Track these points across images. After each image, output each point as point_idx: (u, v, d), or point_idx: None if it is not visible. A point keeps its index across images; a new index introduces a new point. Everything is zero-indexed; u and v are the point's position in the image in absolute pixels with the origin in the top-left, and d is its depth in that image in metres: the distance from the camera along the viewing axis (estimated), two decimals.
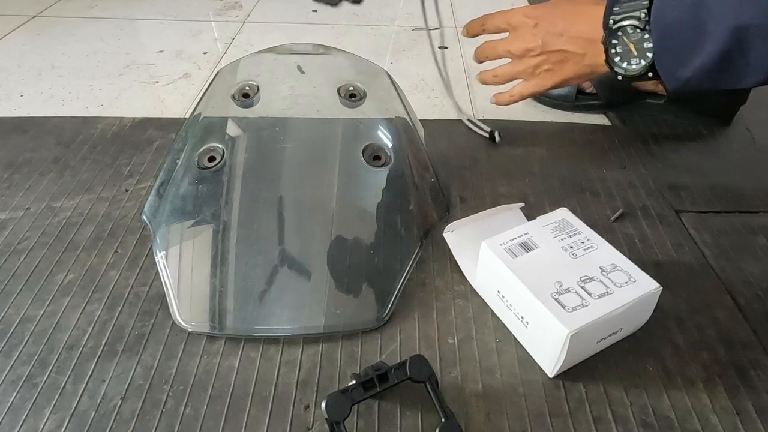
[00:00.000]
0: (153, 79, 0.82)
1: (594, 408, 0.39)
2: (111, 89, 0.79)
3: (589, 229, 0.46)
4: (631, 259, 0.43)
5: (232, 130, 0.53)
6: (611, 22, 0.45)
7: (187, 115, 0.72)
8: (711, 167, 0.64)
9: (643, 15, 0.43)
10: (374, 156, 0.52)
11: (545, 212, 0.48)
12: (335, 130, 0.54)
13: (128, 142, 0.66)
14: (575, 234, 0.45)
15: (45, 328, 0.44)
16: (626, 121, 0.72)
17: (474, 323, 0.45)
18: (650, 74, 0.45)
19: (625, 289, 0.40)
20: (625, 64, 0.47)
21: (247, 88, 0.56)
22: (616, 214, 0.56)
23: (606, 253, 0.44)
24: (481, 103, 0.77)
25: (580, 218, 0.47)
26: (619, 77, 0.47)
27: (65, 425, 0.37)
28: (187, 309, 0.45)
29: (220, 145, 0.52)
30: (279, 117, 0.54)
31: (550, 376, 0.41)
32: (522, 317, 0.42)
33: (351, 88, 0.56)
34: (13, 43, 0.92)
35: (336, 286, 0.46)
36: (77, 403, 0.39)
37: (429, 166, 0.57)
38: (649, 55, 0.44)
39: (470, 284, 0.48)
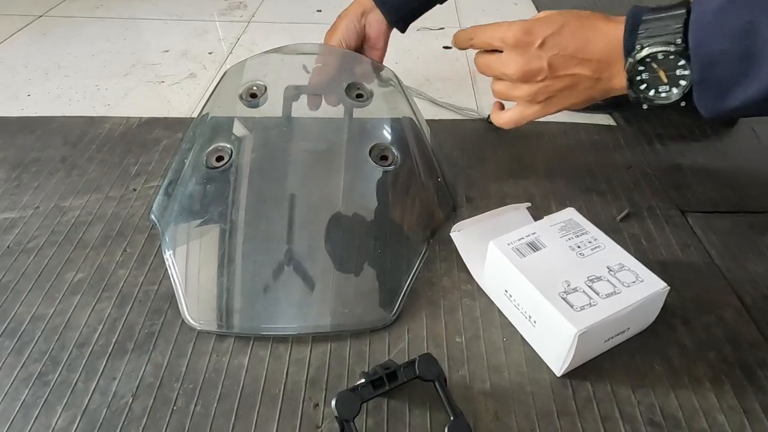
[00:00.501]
0: (159, 79, 0.82)
1: (601, 407, 0.39)
2: (117, 89, 0.79)
3: (596, 228, 0.46)
4: (637, 259, 0.43)
5: (239, 129, 0.53)
6: (637, 46, 0.40)
7: (194, 115, 0.72)
8: (716, 167, 0.64)
9: (678, 41, 0.38)
10: (381, 156, 0.52)
11: (551, 212, 0.48)
12: (342, 129, 0.54)
13: (135, 141, 0.66)
14: (582, 234, 0.45)
15: (56, 326, 0.44)
16: (631, 122, 0.72)
17: (481, 322, 0.45)
18: (683, 103, 0.40)
19: (632, 289, 0.41)
20: (652, 93, 0.41)
21: (255, 88, 0.56)
22: (622, 214, 0.56)
23: (613, 252, 0.44)
24: (486, 103, 0.77)
25: (586, 218, 0.47)
26: (645, 106, 0.42)
27: (77, 422, 0.38)
28: (195, 308, 0.45)
29: (228, 145, 0.52)
30: (286, 117, 0.54)
31: (558, 375, 0.41)
32: (529, 316, 0.42)
33: (358, 88, 0.56)
34: (20, 43, 0.92)
35: (343, 286, 0.46)
36: (89, 401, 0.39)
37: (435, 166, 0.57)
38: (683, 83, 0.39)
39: (477, 283, 0.48)
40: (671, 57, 0.39)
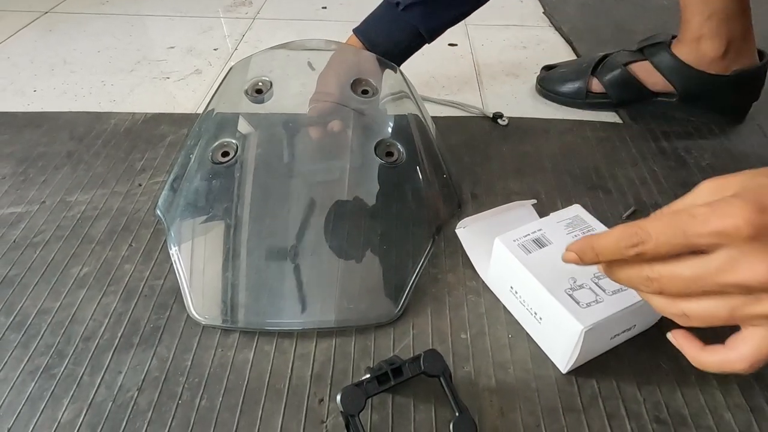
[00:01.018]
0: (164, 75, 0.82)
1: (607, 404, 0.39)
2: (123, 85, 0.79)
3: (603, 226, 0.46)
4: None
5: (245, 125, 0.53)
6: None
7: (199, 111, 0.72)
8: (723, 164, 0.63)
9: None
10: (387, 152, 0.52)
11: (557, 209, 0.48)
12: (348, 125, 0.54)
13: (141, 137, 0.67)
14: (589, 231, 0.45)
15: (62, 319, 0.44)
16: (637, 119, 0.72)
17: (486, 318, 0.45)
18: None
19: None
20: None
21: (260, 83, 0.56)
22: (629, 212, 0.56)
23: None
24: (491, 101, 0.77)
25: (592, 215, 0.47)
26: None
27: (83, 416, 0.38)
28: (201, 302, 0.45)
29: (233, 141, 0.52)
30: (292, 113, 0.54)
31: (563, 371, 0.41)
32: (535, 313, 0.42)
33: (363, 84, 0.56)
34: (26, 38, 0.92)
35: (348, 281, 0.46)
36: (94, 394, 0.39)
37: (441, 163, 0.57)
38: None
39: (482, 280, 0.48)
40: None
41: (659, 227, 0.28)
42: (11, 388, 0.40)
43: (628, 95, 0.72)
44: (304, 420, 0.38)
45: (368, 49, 0.61)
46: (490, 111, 0.72)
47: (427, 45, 0.65)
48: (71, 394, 0.39)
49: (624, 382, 0.41)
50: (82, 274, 0.48)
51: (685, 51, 0.68)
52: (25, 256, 0.50)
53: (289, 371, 0.41)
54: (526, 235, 0.44)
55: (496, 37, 0.95)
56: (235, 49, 0.90)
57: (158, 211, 0.54)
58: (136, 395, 0.39)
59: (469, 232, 0.50)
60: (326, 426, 0.38)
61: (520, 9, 1.06)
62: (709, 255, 0.28)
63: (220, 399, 0.39)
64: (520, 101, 0.77)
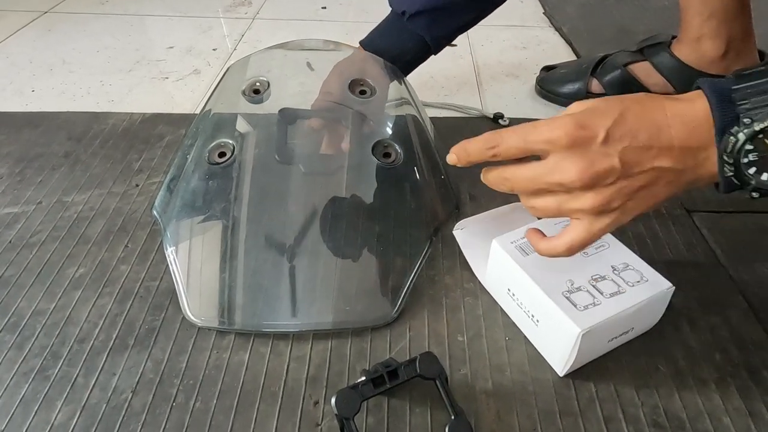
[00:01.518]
0: (163, 75, 0.82)
1: (605, 407, 0.39)
2: (121, 85, 0.79)
3: None
4: (642, 259, 0.43)
5: (242, 125, 0.53)
6: (745, 120, 0.31)
7: (197, 111, 0.72)
8: None
9: None
10: (384, 153, 0.52)
11: None
12: (346, 125, 0.54)
13: (138, 137, 0.66)
14: None
15: (56, 321, 0.44)
16: None
17: (484, 321, 0.45)
18: None
19: (637, 288, 0.40)
20: (765, 177, 0.33)
21: (258, 84, 0.56)
22: None
23: (618, 251, 0.43)
24: (490, 101, 0.76)
25: None
26: (754, 194, 0.34)
27: (76, 418, 0.38)
28: (197, 304, 0.45)
29: (230, 141, 0.52)
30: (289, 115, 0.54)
31: (561, 374, 0.41)
32: (532, 315, 0.42)
33: (361, 85, 0.56)
34: (25, 38, 0.92)
35: (345, 283, 0.46)
36: (88, 396, 0.39)
37: (439, 164, 0.56)
38: None
39: (480, 282, 0.48)
40: None
41: (509, 134, 0.36)
42: (5, 389, 0.39)
43: None
44: (299, 422, 0.38)
45: None
46: (490, 112, 0.72)
47: None
48: (65, 395, 0.39)
49: (622, 385, 0.40)
50: (77, 275, 0.48)
51: (685, 51, 0.67)
52: (20, 256, 0.50)
53: (285, 373, 0.41)
54: (523, 237, 0.44)
55: (496, 37, 0.94)
56: (235, 49, 0.90)
57: (155, 212, 0.54)
58: (130, 397, 0.39)
59: (466, 233, 0.50)
60: (321, 428, 0.38)
61: (520, 9, 1.06)
62: (543, 160, 0.35)
63: (215, 401, 0.39)
64: (520, 102, 0.77)
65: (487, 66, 0.86)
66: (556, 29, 0.98)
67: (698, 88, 0.33)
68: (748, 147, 0.32)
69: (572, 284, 0.40)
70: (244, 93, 0.55)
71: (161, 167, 0.61)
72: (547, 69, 0.79)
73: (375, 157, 0.51)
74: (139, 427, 0.37)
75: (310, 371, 0.41)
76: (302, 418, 0.38)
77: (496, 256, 0.44)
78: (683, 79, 0.68)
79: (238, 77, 0.57)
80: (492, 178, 0.38)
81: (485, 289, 0.47)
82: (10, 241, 0.51)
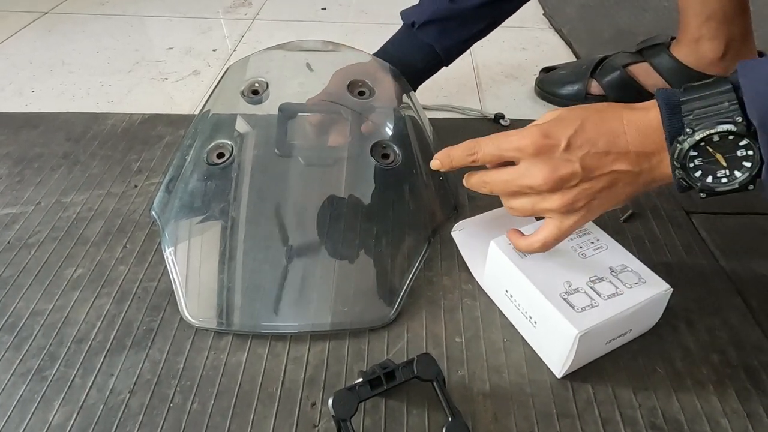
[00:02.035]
0: (162, 76, 0.82)
1: (602, 409, 0.39)
2: (121, 85, 0.79)
3: (598, 229, 0.45)
4: (640, 261, 0.43)
5: (241, 126, 0.53)
6: (687, 130, 0.35)
7: (197, 112, 0.72)
8: None
9: (738, 119, 0.33)
10: (383, 154, 0.52)
11: None
12: (345, 125, 0.54)
13: (138, 138, 0.66)
14: (585, 234, 0.45)
15: (54, 321, 0.44)
16: None
17: (482, 322, 0.45)
18: (751, 187, 0.36)
19: (635, 290, 0.40)
20: (710, 180, 0.36)
21: (257, 84, 0.56)
22: (626, 215, 0.55)
23: (616, 253, 0.43)
24: (490, 102, 0.76)
25: None
26: (702, 195, 0.37)
27: (74, 418, 0.38)
28: (195, 305, 0.45)
29: (228, 142, 0.52)
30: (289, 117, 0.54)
31: (558, 376, 0.41)
32: (530, 317, 0.42)
33: (360, 85, 0.56)
34: (25, 39, 0.92)
35: (343, 284, 0.46)
36: (86, 397, 0.39)
37: None
38: (748, 164, 0.35)
39: (478, 283, 0.48)
40: (730, 138, 0.34)
41: (485, 142, 0.40)
42: (2, 390, 0.39)
43: (627, 97, 0.71)
44: (296, 424, 0.38)
45: None
46: (490, 113, 0.72)
47: None
48: (62, 396, 0.39)
49: (619, 387, 0.40)
50: (75, 276, 0.48)
51: (684, 52, 0.67)
52: (19, 257, 0.50)
53: (282, 374, 0.41)
54: None
55: (495, 38, 0.94)
56: (234, 50, 0.90)
57: (153, 213, 0.54)
58: (127, 398, 0.39)
59: (465, 235, 0.50)
60: (318, 430, 0.38)
61: (520, 10, 1.06)
62: (515, 166, 0.39)
63: (212, 402, 0.39)
64: (519, 103, 0.77)
65: (486, 67, 0.86)
66: (556, 30, 0.98)
67: (657, 97, 0.36)
68: (693, 153, 0.35)
69: (570, 286, 0.40)
70: (243, 94, 0.55)
71: (160, 168, 0.61)
72: (547, 70, 0.79)
73: (373, 158, 0.51)
74: (136, 428, 0.37)
75: (307, 372, 0.41)
76: (299, 419, 0.38)
77: (494, 258, 0.44)
78: (682, 80, 0.67)
79: (237, 78, 0.57)
80: (473, 181, 0.43)
81: (483, 290, 0.47)
82: (8, 242, 0.51)
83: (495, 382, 0.40)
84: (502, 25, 0.68)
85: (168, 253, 0.49)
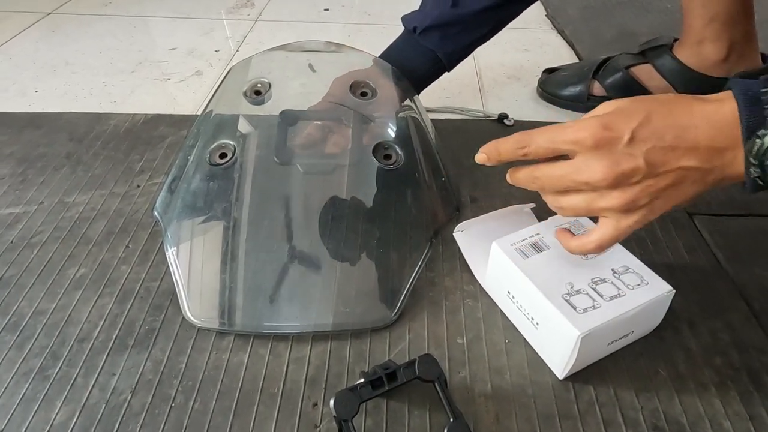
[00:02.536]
0: (165, 77, 0.82)
1: (604, 411, 0.39)
2: (124, 86, 0.79)
3: None
4: (643, 262, 0.42)
5: (243, 127, 0.53)
6: None
7: (199, 113, 0.72)
8: None
9: None
10: (385, 155, 0.52)
11: (556, 213, 0.47)
12: (346, 126, 0.54)
13: (140, 138, 0.67)
14: None
15: (57, 321, 0.44)
16: None
17: (483, 323, 0.45)
18: None
19: (637, 292, 0.40)
20: None
21: (259, 85, 0.56)
22: None
23: (618, 254, 0.43)
24: (492, 104, 0.76)
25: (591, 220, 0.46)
26: None
27: (76, 417, 0.38)
28: (197, 305, 0.45)
29: (231, 142, 0.52)
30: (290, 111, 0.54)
31: (560, 378, 0.41)
32: (532, 318, 0.42)
33: (362, 86, 0.56)
34: (29, 39, 0.93)
35: (345, 285, 0.46)
36: (88, 396, 0.39)
37: (439, 166, 0.56)
38: None
39: (480, 284, 0.48)
40: None
41: (538, 135, 0.37)
42: (5, 389, 0.39)
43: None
44: (298, 424, 0.38)
45: None
46: (492, 114, 0.72)
47: None
48: (65, 395, 0.39)
49: (621, 388, 0.40)
50: (78, 275, 0.48)
51: (686, 54, 0.67)
52: (22, 256, 0.50)
53: (284, 375, 0.41)
54: (523, 240, 0.44)
55: (498, 39, 0.93)
56: (237, 50, 0.91)
57: (156, 213, 0.54)
58: (129, 398, 0.39)
59: (467, 235, 0.50)
60: (320, 430, 0.38)
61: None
62: (571, 160, 0.36)
63: (214, 402, 0.39)
64: (522, 104, 0.77)
65: (489, 68, 0.86)
66: (558, 31, 0.98)
67: (730, 88, 0.33)
68: None
69: (572, 287, 0.40)
70: (245, 94, 0.55)
71: (163, 168, 0.61)
72: (549, 71, 0.79)
73: (376, 158, 0.51)
74: (138, 428, 0.37)
75: (309, 373, 0.41)
76: (301, 419, 0.38)
77: (496, 259, 0.44)
78: (685, 82, 0.68)
79: (239, 78, 0.58)
80: (522, 176, 0.39)
81: (485, 291, 0.47)
82: (11, 242, 0.52)
83: (497, 384, 0.40)
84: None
85: (170, 253, 0.49)
